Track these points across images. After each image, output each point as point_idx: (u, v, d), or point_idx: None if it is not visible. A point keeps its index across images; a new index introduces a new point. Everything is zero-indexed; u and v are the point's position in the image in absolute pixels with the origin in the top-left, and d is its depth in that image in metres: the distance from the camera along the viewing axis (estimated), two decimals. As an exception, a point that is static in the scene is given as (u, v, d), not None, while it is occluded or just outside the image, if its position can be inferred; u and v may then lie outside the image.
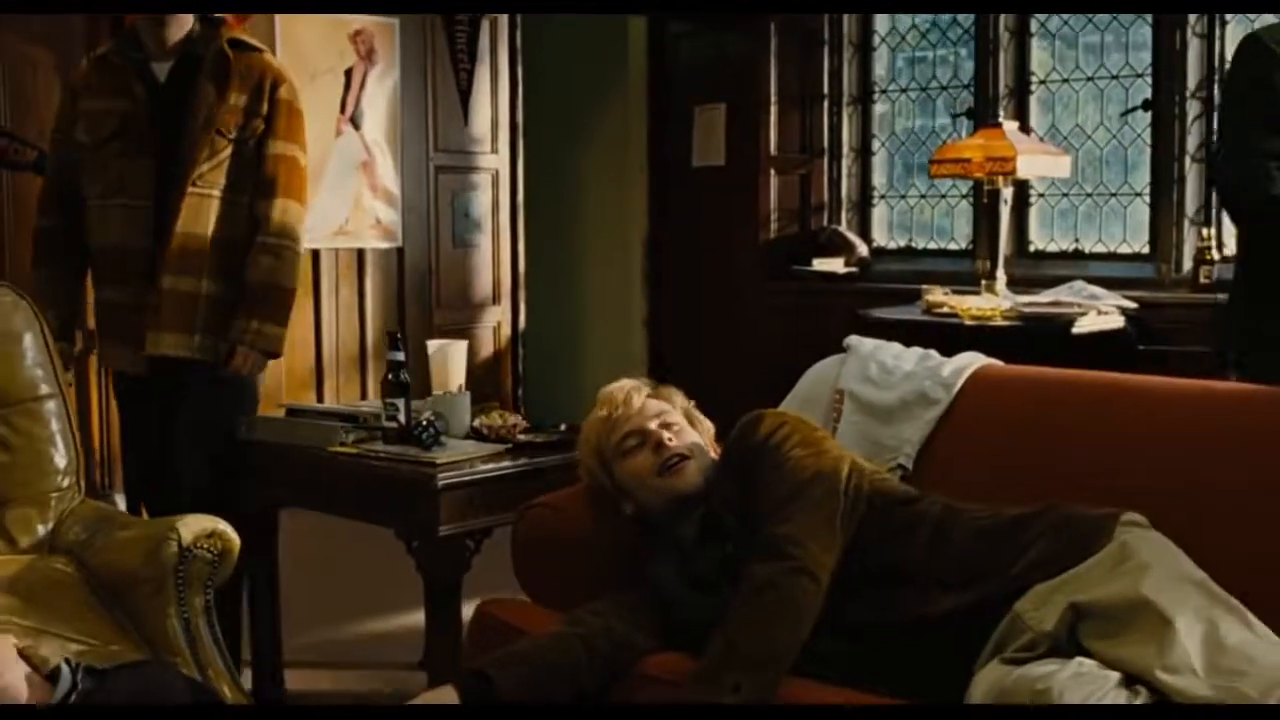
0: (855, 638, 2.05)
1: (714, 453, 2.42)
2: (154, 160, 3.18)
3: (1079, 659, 1.78)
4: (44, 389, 2.78)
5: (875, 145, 6.51)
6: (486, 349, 6.10)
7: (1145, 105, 5.60)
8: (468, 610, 2.87)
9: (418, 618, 3.83)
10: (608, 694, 2.09)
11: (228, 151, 3.18)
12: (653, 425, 2.35)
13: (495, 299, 6.12)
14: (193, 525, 2.43)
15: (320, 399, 5.48)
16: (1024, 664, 1.84)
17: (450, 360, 3.37)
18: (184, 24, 3.24)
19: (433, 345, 3.39)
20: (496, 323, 6.14)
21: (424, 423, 2.98)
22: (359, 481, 2.93)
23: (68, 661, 2.12)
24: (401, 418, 3.03)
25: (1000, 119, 5.31)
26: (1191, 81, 5.42)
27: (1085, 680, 1.73)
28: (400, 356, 3.06)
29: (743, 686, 1.94)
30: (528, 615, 2.40)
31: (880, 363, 2.73)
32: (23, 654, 2.15)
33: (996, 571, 2.02)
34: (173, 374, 3.22)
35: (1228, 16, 5.35)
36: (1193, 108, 5.45)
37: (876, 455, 2.57)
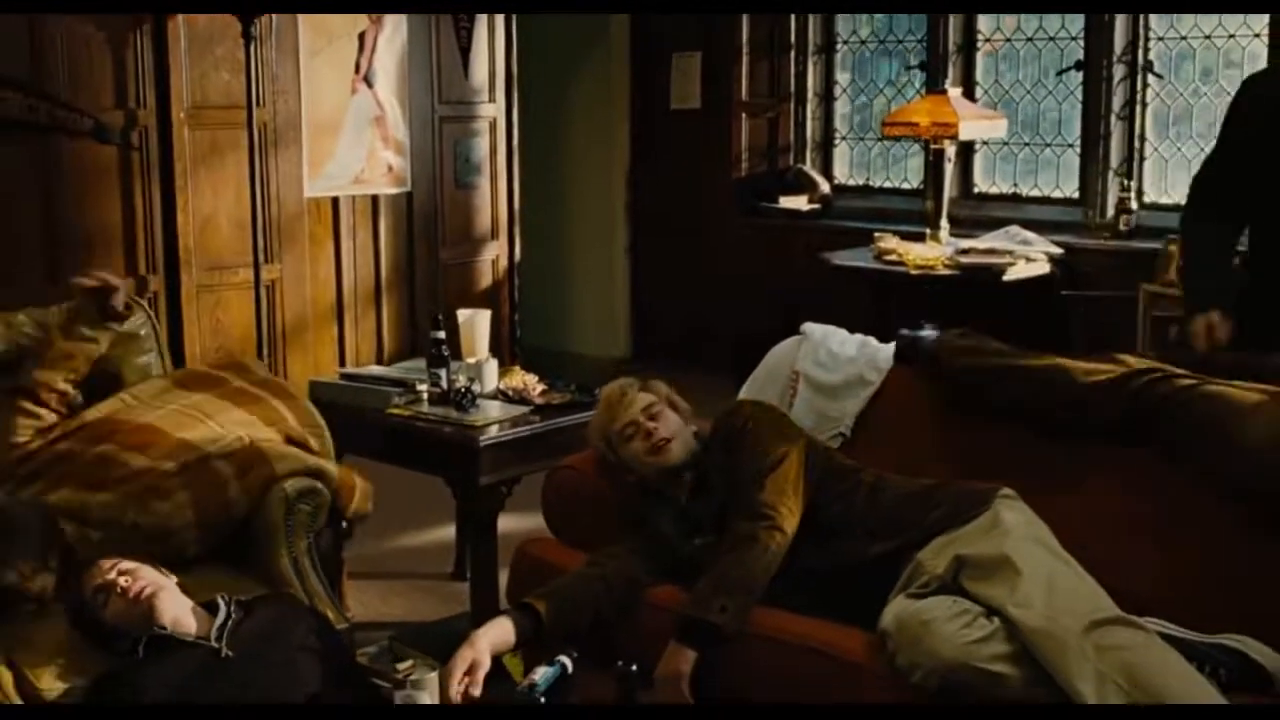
0: (807, 575, 2.77)
1: (693, 426, 3.08)
2: None
3: (956, 597, 2.52)
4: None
5: (837, 91, 7.14)
6: (486, 280, 6.73)
7: (1077, 66, 6.24)
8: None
9: (446, 533, 4.57)
10: (620, 619, 2.81)
11: None
12: (642, 418, 3.01)
13: (494, 234, 6.73)
14: (296, 485, 3.12)
15: (341, 330, 6.12)
16: (922, 599, 2.58)
17: (476, 327, 4.05)
18: None
19: (463, 315, 4.06)
20: (495, 255, 6.75)
21: (462, 389, 3.68)
22: (412, 439, 3.61)
23: (223, 596, 2.83)
24: (444, 384, 3.72)
25: (946, 86, 5.93)
26: (1118, 46, 6.07)
27: (960, 613, 2.48)
28: (441, 335, 3.73)
29: (727, 608, 2.65)
30: (555, 551, 3.11)
31: (829, 349, 3.43)
32: (183, 589, 2.87)
33: (911, 527, 2.73)
34: None
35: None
36: (1119, 70, 6.10)
37: (823, 425, 3.29)
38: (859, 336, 3.50)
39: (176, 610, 2.76)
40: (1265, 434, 2.63)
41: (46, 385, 3.18)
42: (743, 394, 3.46)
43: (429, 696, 2.13)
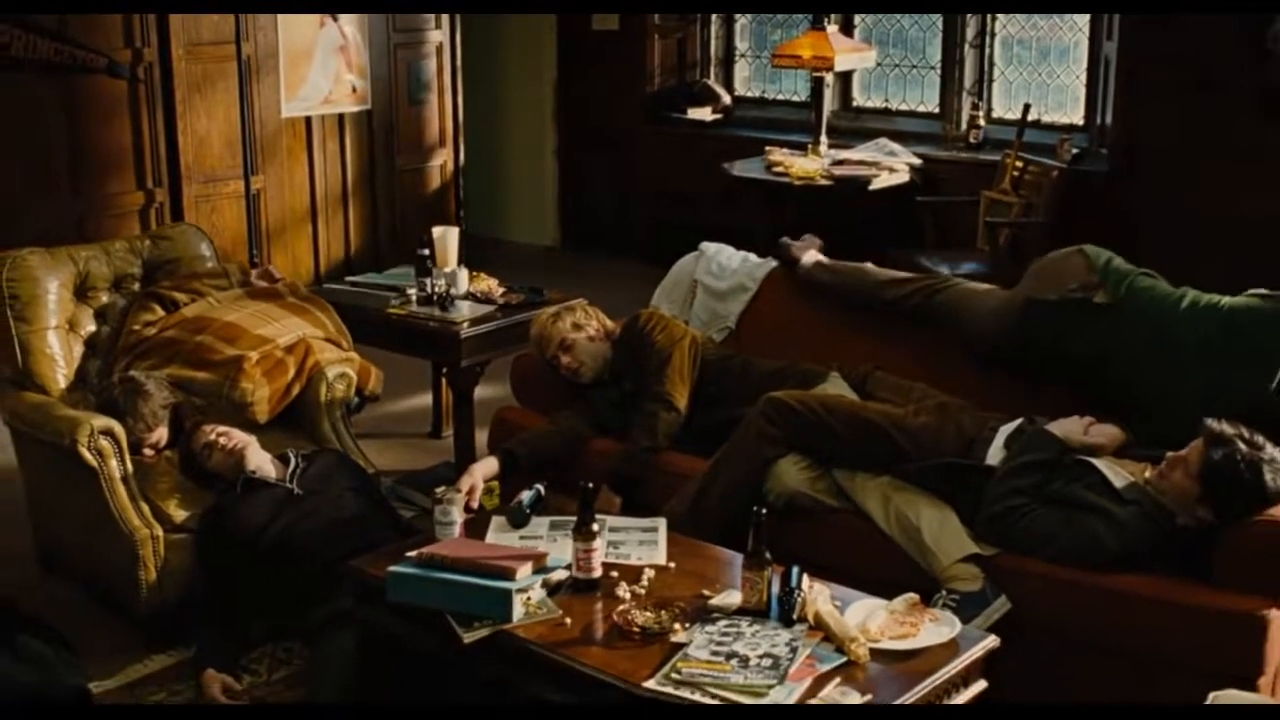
0: (699, 431, 3.94)
1: (605, 335, 4.13)
2: None
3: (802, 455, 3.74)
4: (224, 291, 4.55)
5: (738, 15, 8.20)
6: (435, 182, 7.78)
7: (938, -1, 7.34)
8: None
9: (421, 400, 5.72)
10: (571, 461, 3.99)
11: None
12: (559, 354, 4.07)
13: (441, 143, 7.75)
14: (334, 371, 4.26)
15: (315, 230, 7.18)
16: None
17: (448, 241, 5.14)
18: None
19: (437, 231, 5.13)
20: (443, 162, 7.78)
21: (442, 292, 4.80)
22: (407, 331, 4.72)
23: (291, 450, 3.98)
24: (428, 289, 4.84)
25: (826, 24, 6.99)
26: (971, -16, 7.19)
27: (805, 466, 3.68)
28: (427, 252, 4.85)
29: (638, 466, 3.83)
30: (522, 416, 4.28)
31: (719, 263, 4.60)
32: (261, 445, 4.01)
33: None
34: None
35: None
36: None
37: (715, 321, 4.47)
38: (742, 253, 4.67)
39: (260, 460, 3.90)
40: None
41: (171, 300, 4.31)
42: (654, 298, 4.63)
43: (457, 510, 3.29)
